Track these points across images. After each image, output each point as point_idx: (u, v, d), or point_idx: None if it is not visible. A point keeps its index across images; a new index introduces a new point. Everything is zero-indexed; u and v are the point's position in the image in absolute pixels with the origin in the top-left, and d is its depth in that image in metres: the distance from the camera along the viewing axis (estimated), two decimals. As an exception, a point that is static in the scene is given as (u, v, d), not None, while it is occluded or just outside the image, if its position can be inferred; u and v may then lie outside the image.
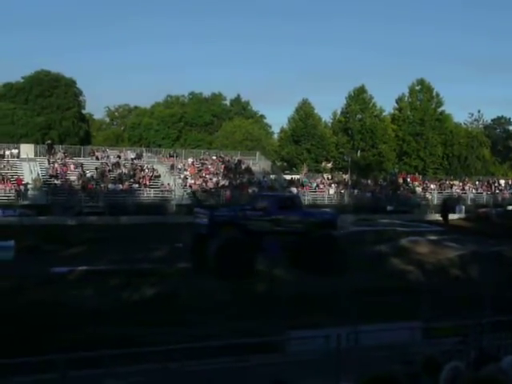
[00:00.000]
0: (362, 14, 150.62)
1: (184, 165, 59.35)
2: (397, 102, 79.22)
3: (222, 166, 60.32)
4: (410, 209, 55.07)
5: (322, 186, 60.19)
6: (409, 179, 65.56)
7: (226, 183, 56.32)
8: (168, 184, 53.92)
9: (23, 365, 8.17)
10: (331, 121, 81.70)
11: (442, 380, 4.22)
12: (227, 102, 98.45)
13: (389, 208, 53.56)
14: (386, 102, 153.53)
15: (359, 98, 77.42)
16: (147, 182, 53.35)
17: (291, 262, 24.13)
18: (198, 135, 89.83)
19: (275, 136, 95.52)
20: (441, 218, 47.92)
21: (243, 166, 61.11)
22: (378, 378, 3.57)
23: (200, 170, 58.78)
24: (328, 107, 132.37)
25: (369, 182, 64.01)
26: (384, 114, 79.18)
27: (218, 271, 21.82)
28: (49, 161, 54.38)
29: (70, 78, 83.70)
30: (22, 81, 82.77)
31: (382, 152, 75.65)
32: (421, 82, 77.66)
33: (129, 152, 61.27)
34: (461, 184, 65.42)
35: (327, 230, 24.97)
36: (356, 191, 59.77)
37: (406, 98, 78.61)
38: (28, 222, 40.31)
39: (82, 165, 54.75)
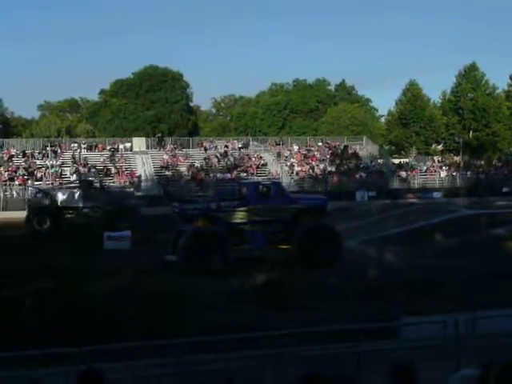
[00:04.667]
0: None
1: (290, 152, 59.50)
2: (511, 78, 75.44)
3: (329, 152, 59.95)
4: (529, 190, 52.46)
5: (432, 169, 58.53)
6: (526, 159, 62.47)
7: (333, 169, 55.93)
8: (275, 171, 54.28)
9: (141, 349, 8.44)
10: (440, 101, 79.09)
11: None
12: (332, 88, 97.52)
13: (504, 190, 51.36)
14: (499, 78, 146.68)
15: (470, 76, 74.39)
16: (254, 171, 53.95)
17: (281, 254, 22.36)
18: (303, 122, 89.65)
19: (382, 119, 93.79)
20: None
21: (350, 151, 60.45)
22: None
23: (306, 157, 58.72)
24: (436, 87, 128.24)
25: (482, 163, 61.53)
26: (497, 91, 75.68)
27: (187, 267, 20.62)
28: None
29: (177, 71, 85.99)
30: (132, 77, 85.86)
31: (495, 131, 72.36)
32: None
33: (236, 141, 62.22)
34: None
35: (315, 217, 22.90)
36: (469, 173, 57.66)
37: (522, 74, 74.73)
38: (141, 212, 41.70)
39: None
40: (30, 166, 51.78)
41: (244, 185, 25.27)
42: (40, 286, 17.94)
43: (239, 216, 22.15)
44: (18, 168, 51.15)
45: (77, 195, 34.30)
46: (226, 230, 21.78)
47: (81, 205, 34.25)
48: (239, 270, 20.41)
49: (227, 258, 21.08)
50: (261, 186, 23.67)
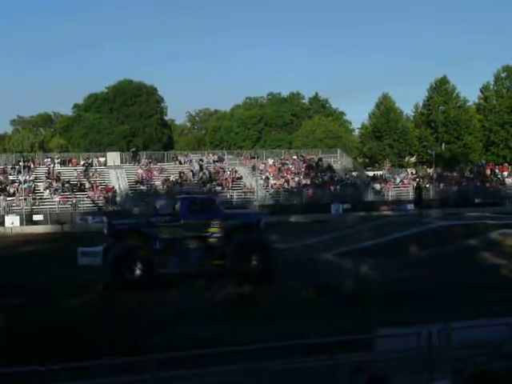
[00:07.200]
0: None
1: (265, 165, 59.57)
2: (481, 91, 76.58)
3: (304, 165, 60.14)
4: (500, 201, 53.09)
5: (405, 181, 58.99)
6: (497, 170, 63.17)
7: (308, 182, 56.09)
8: (250, 185, 54.30)
9: (113, 366, 8.33)
10: (413, 114, 79.98)
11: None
12: (306, 101, 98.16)
13: (477, 201, 51.91)
14: (469, 91, 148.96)
15: (441, 89, 75.35)
16: (229, 184, 53.89)
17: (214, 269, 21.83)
18: (277, 135, 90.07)
19: (356, 132, 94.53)
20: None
21: (324, 164, 60.69)
22: (484, 374, 3.36)
23: (281, 170, 58.82)
24: (409, 100, 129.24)
25: (455, 174, 62.17)
26: (468, 104, 76.79)
27: (114, 283, 20.46)
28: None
29: (151, 85, 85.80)
30: (106, 91, 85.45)
31: (467, 143, 73.30)
32: (507, 68, 74.77)
33: (210, 155, 62.18)
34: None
35: (249, 233, 22.65)
36: (442, 185, 58.20)
37: (492, 87, 75.83)
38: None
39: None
40: (2, 182, 51.14)
41: (178, 200, 24.80)
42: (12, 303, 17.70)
43: (170, 231, 21.79)
44: (-10, 183, 50.49)
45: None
46: (155, 246, 21.52)
47: None
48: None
49: (153, 274, 20.70)
50: (194, 202, 23.41)
